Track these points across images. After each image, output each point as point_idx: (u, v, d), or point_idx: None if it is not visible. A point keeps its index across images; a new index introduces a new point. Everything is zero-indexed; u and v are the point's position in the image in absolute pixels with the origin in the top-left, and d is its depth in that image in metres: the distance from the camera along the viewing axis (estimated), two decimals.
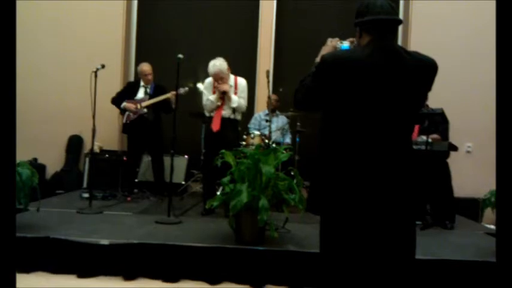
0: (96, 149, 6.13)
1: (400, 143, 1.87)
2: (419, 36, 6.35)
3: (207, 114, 5.06)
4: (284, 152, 3.98)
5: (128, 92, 5.83)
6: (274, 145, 5.26)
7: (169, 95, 5.50)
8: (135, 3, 7.00)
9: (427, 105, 4.84)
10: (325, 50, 2.08)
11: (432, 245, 3.90)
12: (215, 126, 4.86)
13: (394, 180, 1.82)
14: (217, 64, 4.81)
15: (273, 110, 6.04)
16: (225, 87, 4.82)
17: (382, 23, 1.88)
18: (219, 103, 4.89)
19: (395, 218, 1.84)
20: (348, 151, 1.84)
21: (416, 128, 4.90)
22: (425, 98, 2.01)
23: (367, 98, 1.82)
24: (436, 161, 4.71)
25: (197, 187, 6.20)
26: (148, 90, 5.77)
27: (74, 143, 6.66)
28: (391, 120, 1.84)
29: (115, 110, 5.93)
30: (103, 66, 5.01)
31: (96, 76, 4.92)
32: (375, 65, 1.82)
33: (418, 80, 1.86)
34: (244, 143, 5.30)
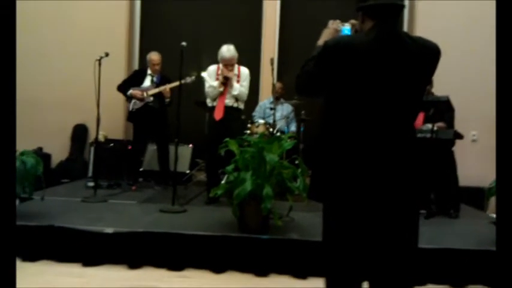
0: (101, 138, 6.12)
1: (403, 130, 1.85)
2: (424, 23, 6.26)
3: (209, 103, 5.03)
4: (288, 140, 3.96)
5: (134, 79, 5.81)
6: (278, 134, 5.24)
7: (177, 83, 5.46)
8: None
9: (433, 93, 4.80)
10: (326, 32, 2.06)
11: (436, 234, 3.89)
12: (218, 114, 4.85)
13: (397, 167, 1.81)
14: (232, 49, 4.86)
15: (277, 98, 6.01)
16: (229, 73, 4.83)
17: (385, 8, 1.84)
18: (221, 89, 4.87)
19: (397, 206, 1.83)
20: (350, 137, 1.82)
21: (422, 116, 4.86)
22: (428, 82, 1.98)
23: (370, 84, 1.80)
24: (442, 149, 4.67)
25: (201, 176, 6.20)
26: (154, 79, 5.75)
27: (79, 132, 6.66)
28: (394, 106, 1.82)
29: (120, 99, 5.91)
30: (107, 55, 4.99)
31: (100, 64, 4.91)
32: (378, 51, 1.79)
33: (421, 65, 1.84)
34: (248, 131, 5.28)
